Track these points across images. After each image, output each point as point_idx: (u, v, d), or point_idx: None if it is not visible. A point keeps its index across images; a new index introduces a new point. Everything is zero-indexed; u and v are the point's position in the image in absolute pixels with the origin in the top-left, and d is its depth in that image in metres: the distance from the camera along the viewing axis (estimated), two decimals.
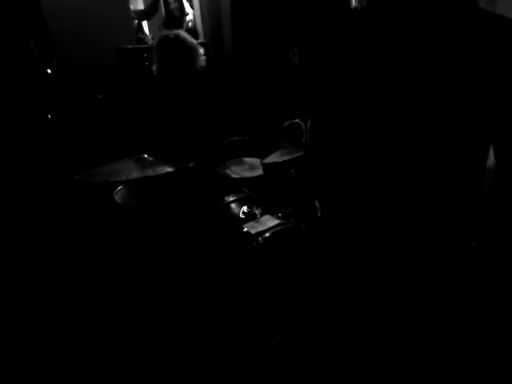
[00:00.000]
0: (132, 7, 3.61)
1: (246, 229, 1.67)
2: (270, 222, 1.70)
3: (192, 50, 2.15)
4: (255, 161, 2.33)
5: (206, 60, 2.25)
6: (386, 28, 0.72)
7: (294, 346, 1.52)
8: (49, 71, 2.17)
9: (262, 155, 2.13)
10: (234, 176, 2.14)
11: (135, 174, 1.66)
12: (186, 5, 3.83)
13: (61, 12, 2.87)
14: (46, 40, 2.59)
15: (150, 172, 1.65)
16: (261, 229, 1.64)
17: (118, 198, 1.97)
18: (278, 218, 1.75)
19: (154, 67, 2.16)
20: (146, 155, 1.75)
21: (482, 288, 0.87)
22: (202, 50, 2.20)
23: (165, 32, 2.14)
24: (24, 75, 2.03)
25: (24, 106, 2.00)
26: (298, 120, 2.98)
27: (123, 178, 1.71)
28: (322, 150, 0.84)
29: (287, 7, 2.97)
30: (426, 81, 0.70)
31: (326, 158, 0.83)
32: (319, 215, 1.68)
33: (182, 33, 2.16)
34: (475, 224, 0.81)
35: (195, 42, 2.19)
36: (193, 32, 3.57)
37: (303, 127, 2.98)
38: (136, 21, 3.75)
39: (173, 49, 2.08)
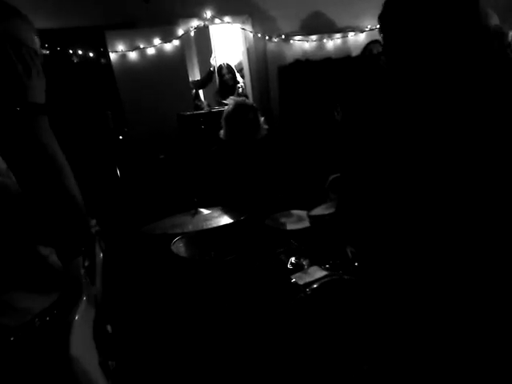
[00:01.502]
0: (190, 78, 4.09)
1: (293, 279, 1.71)
2: (317, 273, 1.73)
3: (258, 117, 2.40)
4: (302, 213, 2.40)
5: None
6: (411, 93, 0.82)
7: None
8: (120, 137, 2.52)
9: (308, 208, 2.21)
10: (282, 228, 2.22)
11: (191, 227, 1.82)
12: (237, 74, 4.26)
13: (131, 88, 3.36)
14: (119, 112, 3.03)
15: (204, 225, 1.80)
16: (308, 280, 1.68)
17: (174, 248, 2.13)
18: (325, 269, 1.77)
19: (223, 131, 2.40)
20: (201, 209, 1.91)
21: None
22: (262, 119, 2.44)
23: (236, 99, 2.42)
24: (103, 141, 2.39)
25: (100, 164, 2.33)
26: None
27: (179, 231, 1.88)
28: (354, 208, 0.90)
29: (331, 71, 3.20)
30: (452, 142, 0.77)
31: (357, 215, 0.90)
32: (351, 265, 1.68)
33: (248, 101, 2.46)
34: None
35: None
36: (244, 97, 3.92)
37: None
38: (193, 90, 4.21)
39: (247, 112, 2.33)
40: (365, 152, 0.87)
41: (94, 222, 1.01)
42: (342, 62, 3.56)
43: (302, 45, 3.90)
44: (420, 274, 0.86)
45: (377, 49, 3.24)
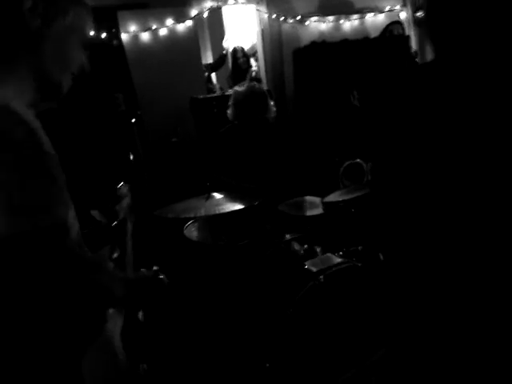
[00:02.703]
0: (203, 61, 4.02)
1: (306, 266, 1.69)
2: (331, 260, 1.70)
3: (267, 101, 2.35)
4: (316, 199, 2.37)
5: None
6: (455, 78, 0.75)
7: None
8: (133, 120, 2.50)
9: (322, 194, 2.17)
10: (295, 214, 2.19)
11: (203, 212, 1.80)
12: (251, 58, 4.17)
13: (144, 71, 3.32)
14: (131, 94, 3.00)
15: (217, 209, 1.78)
16: (322, 267, 1.65)
17: (186, 232, 2.13)
18: (339, 256, 1.74)
19: (230, 112, 2.37)
20: (214, 194, 1.89)
21: None
22: (272, 102, 2.39)
23: (246, 84, 2.37)
24: (115, 124, 2.38)
25: (112, 147, 2.33)
26: (358, 160, 3.00)
27: (192, 215, 1.87)
28: (387, 193, 0.86)
29: (347, 55, 3.11)
30: (495, 132, 0.71)
31: (390, 200, 0.85)
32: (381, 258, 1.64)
33: (258, 85, 2.42)
34: None
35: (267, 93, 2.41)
36: (257, 80, 3.85)
37: (364, 167, 2.98)
38: (206, 73, 4.15)
39: (255, 99, 2.29)
40: (393, 138, 0.82)
41: (125, 189, 0.97)
42: (359, 43, 3.44)
43: (318, 26, 3.78)
44: (440, 270, 0.82)
45: (397, 30, 3.12)
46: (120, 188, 1.03)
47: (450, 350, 0.85)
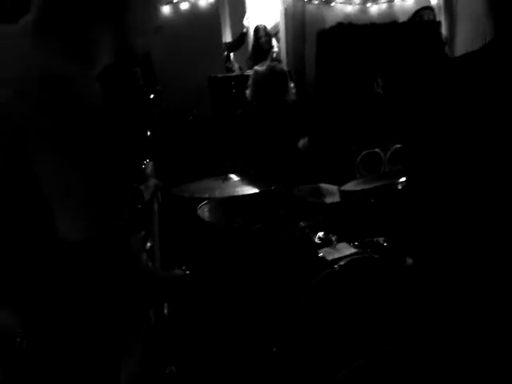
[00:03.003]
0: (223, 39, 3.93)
1: (321, 254, 1.67)
2: (346, 249, 1.68)
3: (288, 83, 2.29)
4: (331, 187, 2.33)
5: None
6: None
7: (364, 381, 1.46)
8: (151, 96, 2.45)
9: (337, 183, 2.13)
10: (310, 200, 2.16)
11: (219, 193, 1.78)
12: (272, 38, 4.06)
13: (163, 45, 3.24)
14: (150, 69, 2.94)
15: (234, 192, 1.76)
16: (337, 256, 1.63)
17: (200, 212, 2.11)
18: (354, 246, 1.72)
19: (249, 92, 2.32)
20: (232, 175, 1.86)
21: None
22: (292, 84, 2.33)
23: (266, 64, 2.32)
24: (132, 99, 2.33)
25: (130, 123, 2.30)
26: (377, 149, 2.93)
27: (207, 195, 1.85)
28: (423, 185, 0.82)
29: (374, 40, 2.99)
30: None
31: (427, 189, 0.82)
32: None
33: (279, 65, 2.36)
34: None
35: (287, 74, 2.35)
36: (277, 62, 3.75)
37: (382, 157, 2.92)
38: (225, 52, 4.06)
39: (276, 79, 2.24)
40: (428, 130, 0.77)
41: (150, 167, 0.93)
42: (387, 28, 3.30)
43: (344, 8, 3.65)
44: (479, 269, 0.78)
45: (428, 16, 2.99)
46: (146, 166, 1.00)
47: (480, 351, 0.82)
